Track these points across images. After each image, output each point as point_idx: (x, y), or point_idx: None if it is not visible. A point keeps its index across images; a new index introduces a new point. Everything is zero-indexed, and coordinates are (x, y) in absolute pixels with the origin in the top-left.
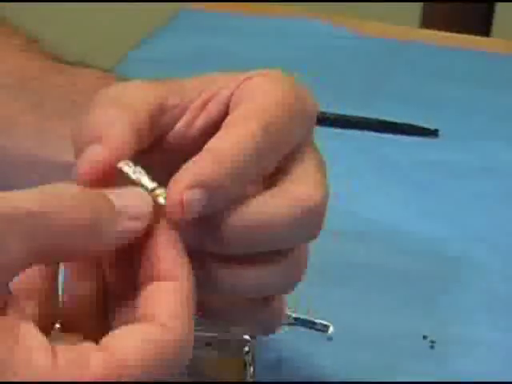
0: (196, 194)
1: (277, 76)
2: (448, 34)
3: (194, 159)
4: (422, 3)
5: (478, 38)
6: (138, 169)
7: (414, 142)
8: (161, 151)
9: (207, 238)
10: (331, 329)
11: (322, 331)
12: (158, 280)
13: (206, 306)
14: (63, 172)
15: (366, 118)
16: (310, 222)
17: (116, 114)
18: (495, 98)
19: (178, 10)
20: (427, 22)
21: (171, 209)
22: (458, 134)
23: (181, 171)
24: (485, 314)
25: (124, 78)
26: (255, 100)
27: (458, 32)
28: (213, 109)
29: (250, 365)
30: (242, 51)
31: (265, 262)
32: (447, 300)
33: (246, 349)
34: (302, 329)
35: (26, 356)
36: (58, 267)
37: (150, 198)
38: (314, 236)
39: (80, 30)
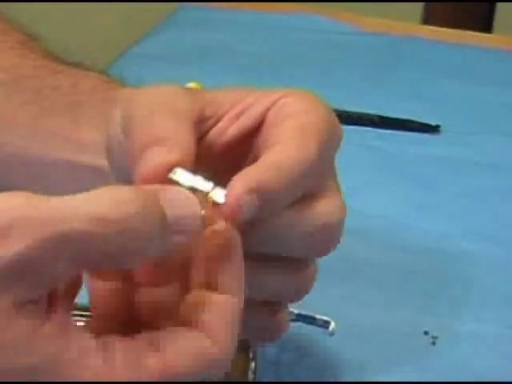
0: (253, 199)
1: (312, 97)
2: (449, 30)
3: (252, 167)
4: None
5: (480, 34)
6: (189, 174)
7: (415, 138)
8: None
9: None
10: (332, 325)
11: (323, 327)
12: (213, 290)
13: None
14: (54, 169)
15: (368, 114)
16: (325, 236)
17: (177, 120)
18: (497, 94)
19: (178, 6)
20: (429, 18)
21: (228, 209)
22: (460, 129)
23: (240, 175)
24: (486, 310)
25: (123, 82)
26: (304, 118)
27: (460, 28)
28: (245, 121)
29: (252, 360)
30: (242, 47)
31: (284, 267)
32: (448, 296)
33: (248, 345)
34: (304, 325)
35: (79, 356)
36: None
37: (199, 210)
38: (325, 252)
39: (80, 26)
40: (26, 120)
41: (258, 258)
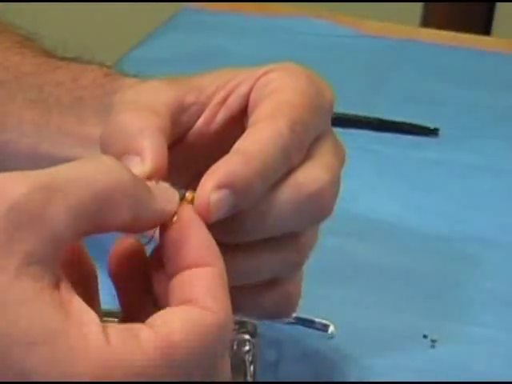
0: (224, 194)
1: (296, 70)
2: (448, 33)
3: (221, 160)
4: (422, 2)
5: (479, 37)
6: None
7: (414, 141)
8: (182, 149)
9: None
10: (331, 328)
11: (323, 331)
12: (193, 267)
13: None
14: None
15: (366, 117)
16: (314, 205)
17: (144, 120)
18: (495, 97)
19: (179, 8)
20: (428, 21)
21: (199, 210)
22: (459, 133)
23: (209, 172)
24: (486, 313)
25: (127, 75)
26: (279, 96)
27: (459, 31)
28: (232, 104)
29: (251, 364)
30: (243, 50)
31: (263, 248)
32: (448, 299)
33: (247, 348)
34: (303, 328)
35: (80, 330)
36: None
37: (175, 190)
38: (319, 220)
39: (81, 29)
40: (33, 118)
41: (249, 245)
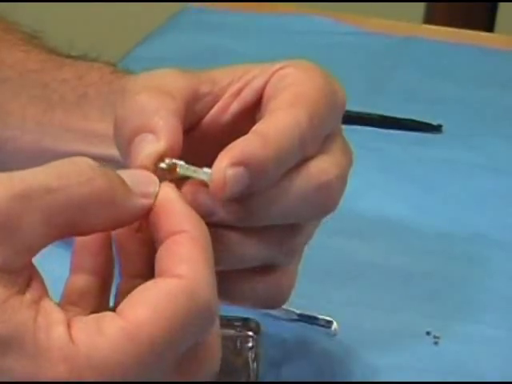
0: (239, 171)
1: (311, 67)
2: (451, 30)
3: (239, 139)
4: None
5: (482, 34)
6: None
7: (417, 138)
8: (192, 139)
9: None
10: (334, 325)
11: (326, 327)
12: (170, 237)
13: None
14: None
15: (369, 114)
16: (321, 197)
17: (160, 101)
18: (499, 95)
19: (181, 8)
20: (430, 18)
21: (214, 186)
22: (462, 130)
23: (225, 150)
24: (489, 312)
25: (134, 73)
26: (296, 89)
27: (462, 28)
28: (246, 96)
29: (253, 361)
30: (245, 48)
31: (264, 235)
32: (450, 297)
33: (249, 345)
34: (306, 325)
35: (47, 326)
36: None
37: (156, 179)
38: (324, 213)
39: (82, 28)
40: (36, 114)
41: (251, 230)
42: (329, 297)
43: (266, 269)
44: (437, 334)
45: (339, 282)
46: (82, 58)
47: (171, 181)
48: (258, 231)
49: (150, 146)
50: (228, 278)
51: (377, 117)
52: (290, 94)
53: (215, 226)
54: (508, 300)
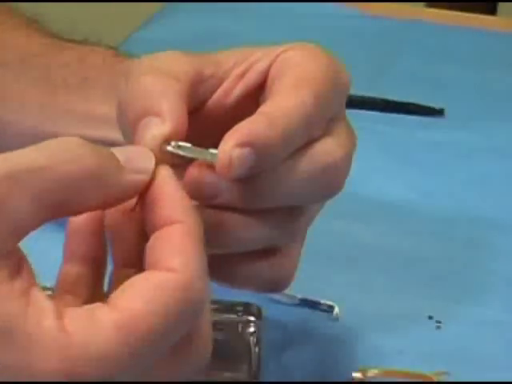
0: (245, 152)
1: (315, 49)
2: (454, 13)
3: (245, 120)
4: None
5: (484, 16)
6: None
7: (419, 122)
8: (196, 121)
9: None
10: (336, 309)
11: (328, 312)
12: (163, 227)
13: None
14: None
15: (372, 98)
16: (327, 179)
17: (165, 84)
18: (502, 78)
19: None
20: (433, 1)
21: (220, 166)
22: (464, 113)
23: (232, 131)
24: (492, 295)
25: (133, 56)
26: (301, 70)
27: (464, 11)
28: (251, 78)
29: (255, 346)
30: (246, 32)
31: (268, 217)
32: (453, 281)
33: (251, 330)
34: (308, 310)
35: (38, 317)
36: None
37: (152, 154)
38: (329, 195)
39: (82, 12)
40: (37, 98)
41: (256, 212)
42: (330, 281)
43: (268, 252)
44: (439, 319)
45: (341, 265)
46: (83, 42)
47: (176, 164)
48: (262, 213)
49: (155, 129)
50: (231, 262)
51: (379, 101)
52: (295, 76)
53: (219, 209)
54: (511, 282)
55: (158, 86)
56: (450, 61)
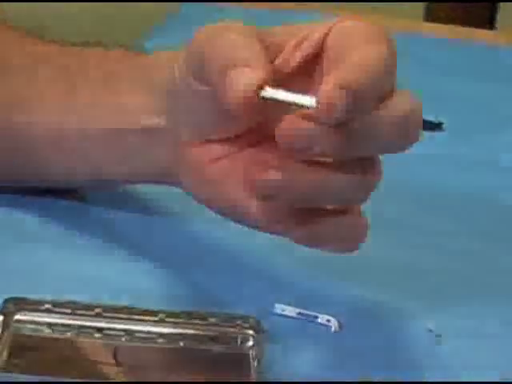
0: (344, 96)
1: (367, 22)
2: (451, 27)
3: (338, 68)
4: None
5: (483, 31)
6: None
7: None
8: None
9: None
10: (335, 323)
11: (326, 326)
12: None
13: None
14: (93, 141)
15: None
16: (407, 126)
17: (247, 38)
18: (500, 92)
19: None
20: (431, 16)
21: (321, 107)
22: (464, 127)
23: (330, 75)
24: (491, 308)
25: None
26: (367, 31)
27: (463, 25)
28: (307, 48)
29: (254, 359)
30: None
31: (349, 168)
32: (452, 294)
33: (250, 343)
34: (306, 323)
35: None
36: None
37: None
38: (412, 141)
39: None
40: (55, 97)
41: (340, 165)
42: (330, 294)
43: (345, 209)
44: (439, 332)
45: (340, 278)
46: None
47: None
48: (346, 166)
49: (250, 75)
50: (314, 220)
51: None
52: (365, 34)
53: (309, 163)
54: (510, 296)
55: (242, 40)
56: (449, 74)
